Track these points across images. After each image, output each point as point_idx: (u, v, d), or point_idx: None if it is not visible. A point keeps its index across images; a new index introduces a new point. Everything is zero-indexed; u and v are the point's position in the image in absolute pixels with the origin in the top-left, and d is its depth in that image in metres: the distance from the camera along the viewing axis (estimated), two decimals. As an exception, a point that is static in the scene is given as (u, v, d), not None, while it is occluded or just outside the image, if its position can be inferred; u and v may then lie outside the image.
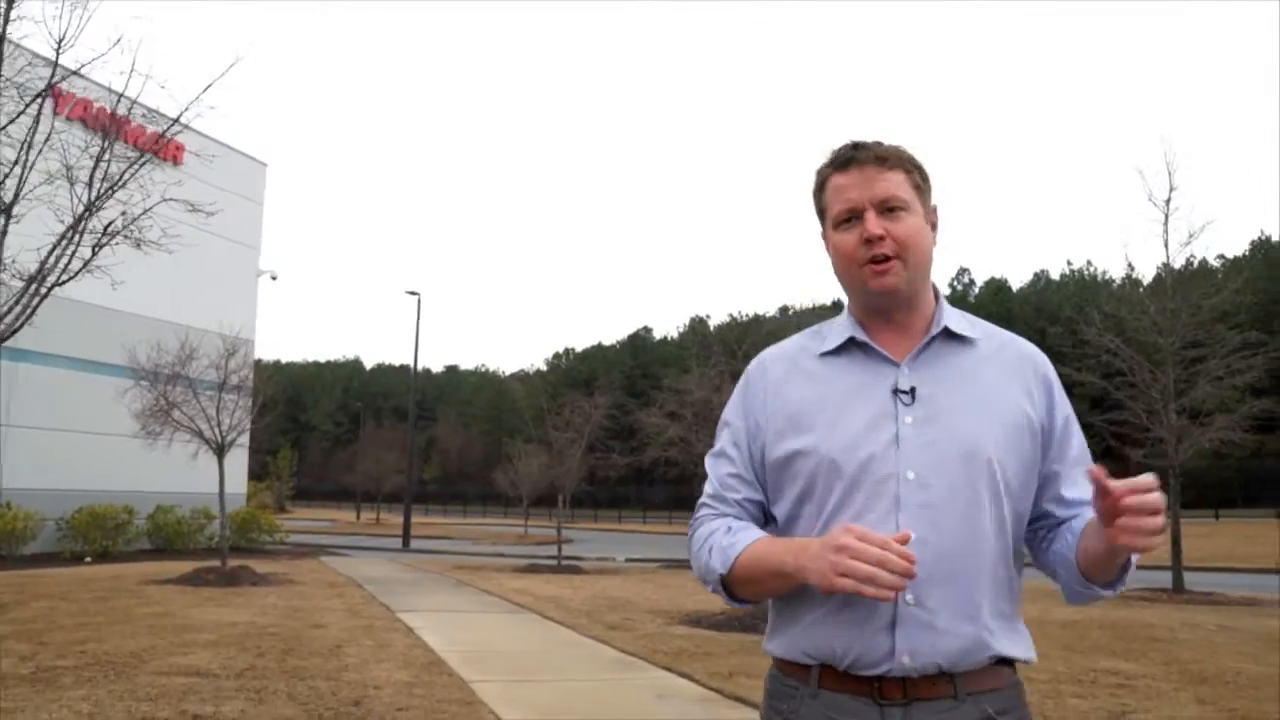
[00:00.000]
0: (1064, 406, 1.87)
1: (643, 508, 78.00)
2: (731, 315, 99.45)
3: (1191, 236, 17.34)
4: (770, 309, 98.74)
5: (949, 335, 1.83)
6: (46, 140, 5.47)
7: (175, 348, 16.47)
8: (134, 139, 23.47)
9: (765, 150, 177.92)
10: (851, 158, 1.81)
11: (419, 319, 39.10)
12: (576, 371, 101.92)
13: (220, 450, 15.89)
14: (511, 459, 49.91)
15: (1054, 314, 55.90)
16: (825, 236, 1.88)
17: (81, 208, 5.31)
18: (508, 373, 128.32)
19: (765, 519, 1.88)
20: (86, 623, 10.29)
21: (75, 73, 5.83)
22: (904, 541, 1.56)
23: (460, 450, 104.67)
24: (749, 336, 22.28)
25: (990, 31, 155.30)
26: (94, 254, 5.35)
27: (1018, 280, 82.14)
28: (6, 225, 5.07)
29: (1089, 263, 78.64)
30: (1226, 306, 17.73)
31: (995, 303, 73.57)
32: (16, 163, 5.32)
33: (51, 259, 5.25)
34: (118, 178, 5.41)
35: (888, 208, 1.77)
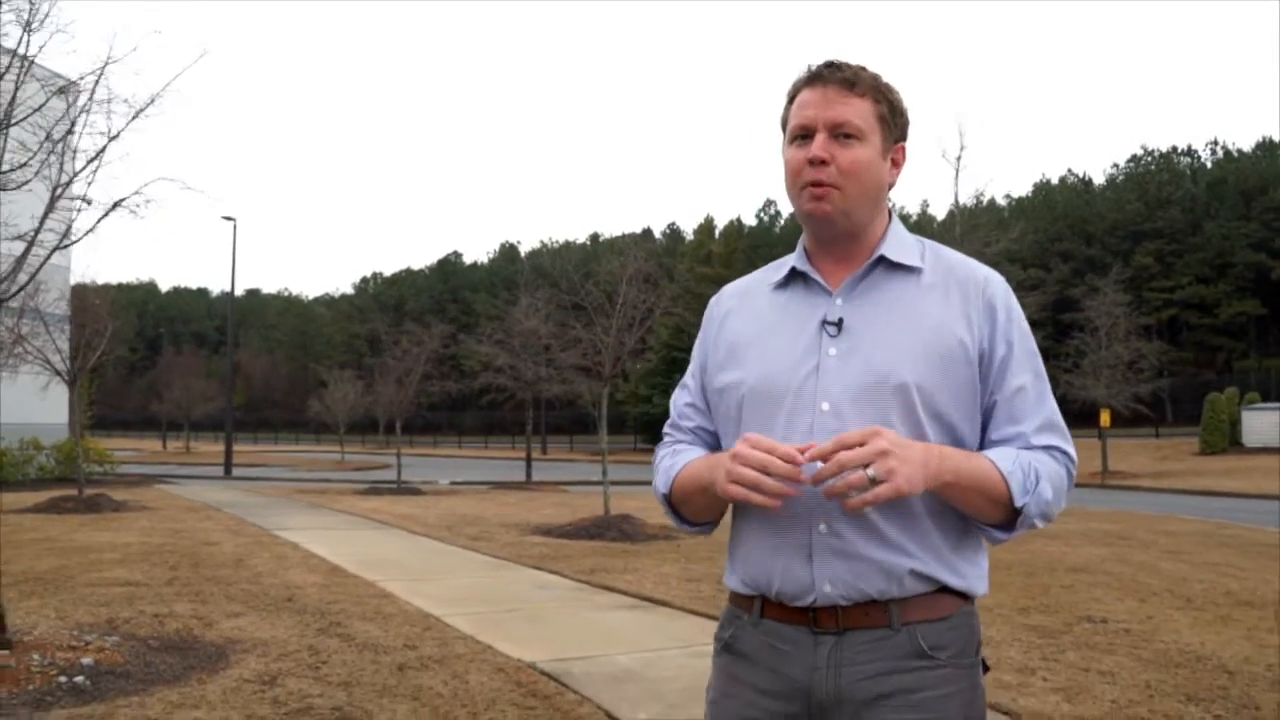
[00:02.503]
0: (1010, 334, 1.78)
1: (457, 433, 78.82)
2: (543, 241, 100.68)
3: (979, 192, 19.68)
4: (581, 235, 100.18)
5: (889, 265, 1.79)
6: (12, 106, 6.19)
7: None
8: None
9: (575, 76, 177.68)
10: (820, 75, 1.77)
11: (235, 245, 38.63)
12: (385, 296, 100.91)
13: (73, 381, 16.29)
14: (326, 385, 50.04)
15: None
16: (783, 150, 1.84)
17: (66, 179, 6.13)
18: (312, 297, 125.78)
19: (720, 448, 1.88)
20: (-19, 547, 10.95)
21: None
22: (803, 451, 1.58)
23: (264, 376, 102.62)
24: (583, 267, 23.51)
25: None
26: (97, 223, 6.19)
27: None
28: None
29: (890, 199, 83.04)
30: (1013, 249, 20.16)
31: (800, 235, 77.27)
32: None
33: (43, 225, 6.10)
34: (96, 151, 6.21)
35: (841, 133, 1.73)
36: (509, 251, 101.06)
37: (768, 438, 1.61)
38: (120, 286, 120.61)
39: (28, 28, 6.22)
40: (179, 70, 6.39)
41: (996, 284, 1.80)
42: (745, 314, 1.87)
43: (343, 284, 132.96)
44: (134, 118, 6.17)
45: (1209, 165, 69.75)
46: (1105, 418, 30.06)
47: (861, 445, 1.54)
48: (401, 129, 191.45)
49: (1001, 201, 75.35)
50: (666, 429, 1.98)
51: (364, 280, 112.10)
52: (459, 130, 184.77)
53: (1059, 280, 59.07)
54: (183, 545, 11.25)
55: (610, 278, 17.64)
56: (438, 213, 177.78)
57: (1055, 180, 77.20)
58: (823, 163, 1.72)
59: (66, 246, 6.14)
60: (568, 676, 5.59)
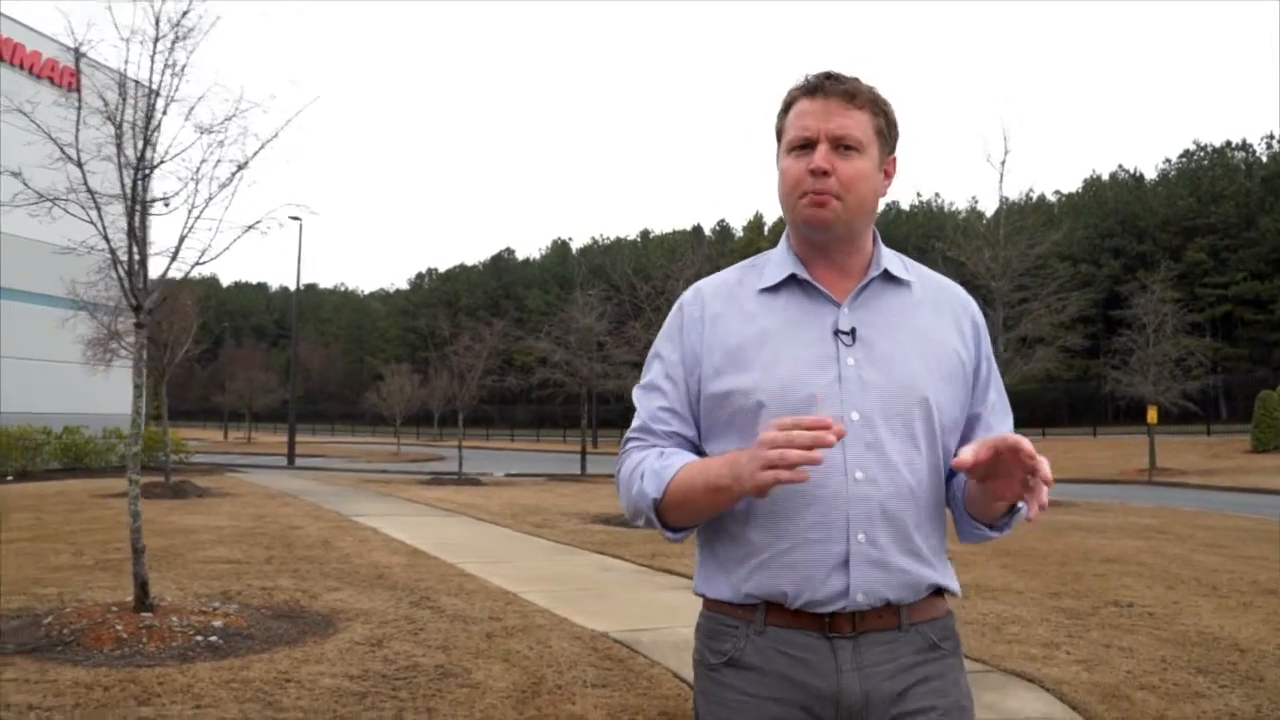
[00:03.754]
0: (989, 352, 1.91)
1: (509, 426, 79.87)
2: (594, 238, 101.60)
3: (1024, 193, 20.20)
4: (631, 233, 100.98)
5: (887, 277, 1.83)
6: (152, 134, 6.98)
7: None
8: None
9: (628, 74, 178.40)
10: (820, 86, 1.78)
11: (301, 244, 39.78)
12: (440, 291, 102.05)
13: (163, 375, 17.30)
14: (382, 379, 51.18)
15: (902, 246, 59.61)
16: (777, 159, 1.85)
17: (203, 203, 6.92)
18: (366, 291, 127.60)
19: (697, 454, 1.84)
20: (91, 529, 11.86)
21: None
22: (839, 432, 1.53)
23: (321, 369, 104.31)
24: (634, 264, 24.19)
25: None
26: (232, 243, 6.97)
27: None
28: (145, 217, 6.70)
29: (937, 195, 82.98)
30: (1060, 249, 20.69)
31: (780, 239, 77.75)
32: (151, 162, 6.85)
33: (182, 245, 6.92)
34: (228, 177, 6.99)
35: (842, 145, 1.75)
36: (561, 248, 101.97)
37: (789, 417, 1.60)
38: (181, 281, 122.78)
39: (178, 75, 6.97)
40: (299, 108, 7.15)
41: (974, 305, 1.94)
42: (737, 317, 1.83)
43: (398, 279, 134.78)
44: (260, 149, 6.93)
45: (1264, 159, 68.89)
46: (1152, 415, 30.23)
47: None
48: (454, 127, 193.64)
49: (1051, 198, 75.10)
50: (633, 434, 1.89)
51: (419, 276, 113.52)
52: (512, 127, 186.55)
53: (1109, 276, 58.94)
54: (271, 529, 12.09)
55: (660, 274, 18.31)
56: (491, 209, 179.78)
57: (1106, 176, 76.69)
58: (824, 174, 1.74)
59: (205, 263, 6.93)
60: (637, 644, 6.30)
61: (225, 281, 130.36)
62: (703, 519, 1.79)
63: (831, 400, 1.71)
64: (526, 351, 32.09)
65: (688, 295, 1.93)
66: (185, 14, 6.64)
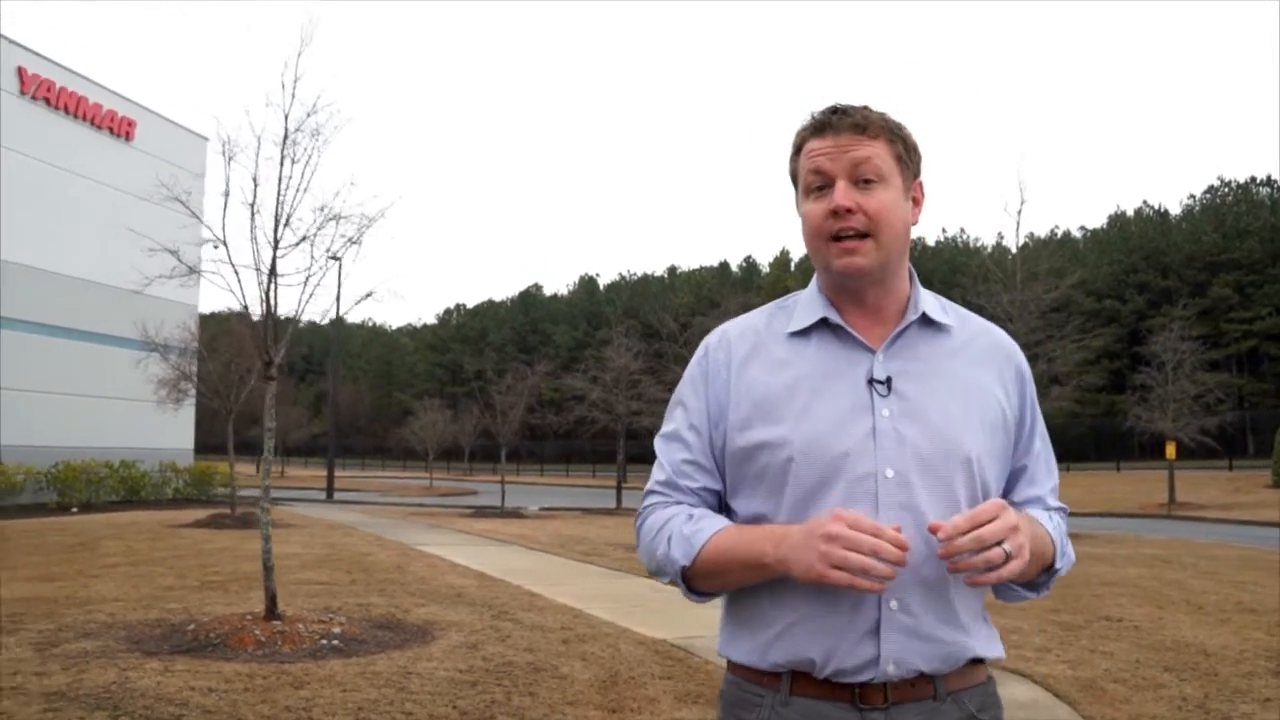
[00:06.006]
0: (1033, 399, 1.80)
1: (538, 460, 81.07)
2: (621, 274, 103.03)
3: (1051, 231, 21.29)
4: (659, 269, 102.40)
5: (925, 322, 1.73)
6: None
7: (172, 321, 18.98)
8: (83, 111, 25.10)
9: (658, 110, 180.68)
10: (828, 123, 1.68)
11: (340, 284, 41.05)
12: (468, 327, 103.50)
13: (230, 414, 18.62)
14: (413, 414, 52.39)
15: (927, 283, 60.22)
16: (797, 204, 1.74)
17: (319, 272, 8.22)
18: (394, 327, 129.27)
19: (721, 509, 1.76)
20: (180, 555, 13.08)
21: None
22: (898, 530, 1.49)
23: (350, 404, 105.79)
24: (661, 299, 25.47)
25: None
26: (353, 307, 8.25)
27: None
28: (276, 285, 7.98)
29: (962, 230, 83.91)
30: (1082, 288, 21.75)
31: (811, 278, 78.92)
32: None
33: (303, 308, 8.22)
34: (340, 250, 8.28)
35: (861, 179, 1.65)
36: (588, 284, 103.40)
37: (857, 513, 1.50)
38: (210, 315, 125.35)
39: (299, 163, 8.26)
40: (395, 197, 8.48)
41: (1019, 351, 1.82)
42: (765, 363, 1.72)
43: (426, 315, 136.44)
44: (368, 227, 8.24)
45: (1288, 196, 69.60)
46: (1171, 450, 31.09)
47: (993, 520, 1.49)
48: (479, 163, 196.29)
49: (1076, 234, 76.04)
50: (656, 487, 1.78)
51: (447, 311, 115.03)
52: (538, 163, 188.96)
53: (1133, 312, 59.75)
54: (344, 555, 13.28)
55: (686, 311, 19.45)
56: (518, 246, 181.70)
57: (1131, 212, 77.51)
58: (849, 211, 1.64)
59: (322, 325, 8.19)
60: (693, 648, 7.43)
61: (254, 317, 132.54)
62: (735, 588, 1.70)
63: (865, 456, 1.61)
64: (555, 389, 33.31)
65: (712, 339, 1.82)
66: (310, 115, 7.93)
